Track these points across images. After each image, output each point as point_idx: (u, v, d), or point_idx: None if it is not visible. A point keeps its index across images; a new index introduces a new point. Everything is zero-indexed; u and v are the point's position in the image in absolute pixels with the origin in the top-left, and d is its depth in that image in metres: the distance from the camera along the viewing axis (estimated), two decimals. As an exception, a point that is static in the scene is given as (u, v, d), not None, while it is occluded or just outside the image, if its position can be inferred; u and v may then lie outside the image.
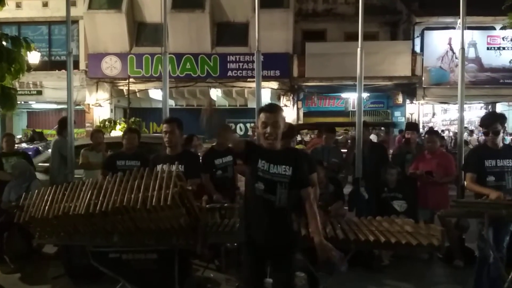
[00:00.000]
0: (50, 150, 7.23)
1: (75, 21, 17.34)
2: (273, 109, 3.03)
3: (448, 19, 16.85)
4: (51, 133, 18.03)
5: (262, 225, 2.94)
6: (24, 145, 14.12)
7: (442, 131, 17.16)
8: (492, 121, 4.16)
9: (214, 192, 5.28)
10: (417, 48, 18.22)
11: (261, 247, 2.97)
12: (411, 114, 18.80)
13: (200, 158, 5.72)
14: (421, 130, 14.97)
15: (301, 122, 17.89)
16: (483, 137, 5.00)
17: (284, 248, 2.97)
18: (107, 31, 17.52)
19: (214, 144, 5.84)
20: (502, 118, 4.29)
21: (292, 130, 4.21)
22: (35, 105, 19.66)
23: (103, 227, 3.45)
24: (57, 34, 18.91)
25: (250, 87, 17.40)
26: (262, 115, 3.00)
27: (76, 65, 17.38)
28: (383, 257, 5.31)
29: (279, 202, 2.91)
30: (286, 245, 2.98)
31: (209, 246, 4.49)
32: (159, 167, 3.70)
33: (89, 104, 18.20)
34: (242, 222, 3.19)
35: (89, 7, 17.54)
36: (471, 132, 16.84)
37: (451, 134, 18.06)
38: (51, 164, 6.82)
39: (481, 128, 5.48)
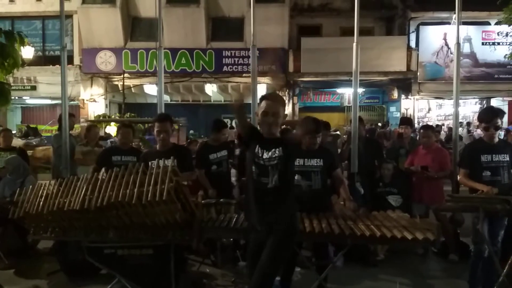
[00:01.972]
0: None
1: (69, 16, 17.23)
2: (275, 99, 3.14)
3: (443, 14, 16.87)
4: (45, 129, 17.95)
5: (259, 207, 3.02)
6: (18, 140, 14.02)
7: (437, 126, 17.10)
8: (493, 116, 4.16)
9: (209, 187, 5.28)
10: (413, 43, 18.25)
11: (261, 230, 3.02)
12: (406, 109, 18.85)
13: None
14: (416, 125, 15.04)
15: (296, 117, 17.88)
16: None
17: (279, 229, 3.00)
18: (101, 25, 17.41)
19: (208, 139, 5.84)
20: (501, 113, 4.30)
21: (318, 125, 4.21)
22: (29, 101, 19.53)
23: (99, 222, 3.44)
24: (51, 29, 18.77)
25: (246, 82, 17.36)
26: (263, 103, 3.07)
27: (70, 60, 17.27)
28: (378, 251, 5.34)
29: (271, 183, 2.98)
30: (282, 224, 3.01)
31: (205, 242, 4.51)
32: (151, 163, 3.69)
33: (83, 100, 18.10)
34: (245, 206, 3.27)
35: (83, 2, 17.42)
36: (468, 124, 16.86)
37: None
38: (52, 159, 6.89)
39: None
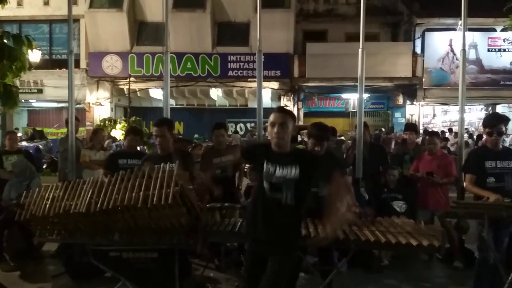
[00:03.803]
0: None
1: (76, 20, 17.35)
2: (282, 110, 3.15)
3: (449, 20, 16.86)
4: (51, 132, 18.06)
5: (268, 223, 2.97)
6: (24, 143, 14.12)
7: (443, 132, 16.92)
8: (497, 122, 4.16)
9: (214, 188, 5.26)
10: (418, 49, 18.25)
11: (264, 245, 3.00)
12: (412, 115, 18.83)
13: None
14: (420, 131, 15.00)
15: (301, 122, 17.90)
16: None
17: (283, 245, 2.99)
18: (108, 30, 17.54)
19: (214, 143, 5.82)
20: (506, 119, 4.29)
21: (324, 131, 4.19)
22: (36, 104, 19.67)
23: (104, 225, 3.45)
24: (58, 33, 18.92)
25: (251, 87, 17.43)
26: (271, 116, 3.07)
27: (77, 64, 17.37)
28: (383, 257, 5.32)
29: (285, 200, 2.94)
30: (286, 242, 3.00)
31: (209, 246, 4.52)
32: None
33: (89, 103, 18.22)
34: (249, 219, 3.21)
35: (90, 6, 17.58)
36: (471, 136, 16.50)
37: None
38: (58, 162, 6.97)
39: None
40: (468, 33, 6.00)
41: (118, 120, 17.72)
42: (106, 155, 6.27)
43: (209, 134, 16.94)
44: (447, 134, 15.69)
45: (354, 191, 5.84)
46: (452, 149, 12.73)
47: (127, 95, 17.37)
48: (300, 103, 18.73)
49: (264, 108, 5.77)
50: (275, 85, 18.05)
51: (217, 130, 5.58)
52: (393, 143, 12.92)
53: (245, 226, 3.40)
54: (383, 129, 18.03)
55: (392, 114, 20.06)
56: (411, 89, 18.26)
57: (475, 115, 19.80)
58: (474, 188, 4.17)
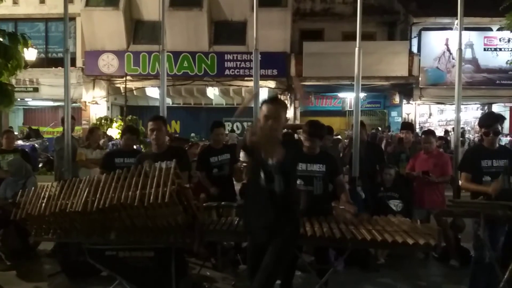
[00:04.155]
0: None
1: (72, 18, 17.26)
2: (276, 102, 3.12)
3: (446, 20, 16.88)
4: (47, 130, 17.99)
5: (264, 212, 3.02)
6: (20, 142, 14.06)
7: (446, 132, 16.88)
8: (493, 122, 4.19)
9: (210, 186, 5.26)
10: (414, 49, 18.27)
11: (263, 236, 3.03)
12: (408, 114, 18.86)
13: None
14: (417, 130, 15.04)
15: (298, 121, 17.90)
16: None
17: (286, 229, 3.02)
18: (104, 28, 17.47)
19: (210, 142, 5.81)
20: (501, 118, 4.31)
21: (320, 129, 4.18)
22: (32, 102, 19.57)
23: (100, 224, 3.44)
24: (54, 31, 18.82)
25: (248, 86, 17.40)
26: (264, 108, 3.06)
27: (73, 63, 17.24)
28: (379, 256, 5.33)
29: (278, 189, 2.96)
30: (287, 226, 3.04)
31: (206, 245, 4.51)
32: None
33: (85, 102, 18.14)
34: (245, 212, 3.30)
35: (87, 4, 17.49)
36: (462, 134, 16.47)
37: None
38: (54, 161, 6.95)
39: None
40: (464, 33, 6.02)
41: (115, 119, 17.66)
42: (102, 153, 6.25)
43: (206, 133, 16.99)
44: (451, 133, 15.68)
45: (350, 190, 5.89)
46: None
47: (123, 93, 17.30)
48: (297, 102, 18.71)
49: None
50: (272, 84, 18.03)
51: (216, 128, 5.59)
52: (384, 142, 12.98)
53: (244, 218, 3.47)
54: (380, 128, 18.08)
55: (388, 113, 20.12)
56: (407, 88, 18.29)
57: (471, 114, 19.86)
58: (471, 185, 4.20)
